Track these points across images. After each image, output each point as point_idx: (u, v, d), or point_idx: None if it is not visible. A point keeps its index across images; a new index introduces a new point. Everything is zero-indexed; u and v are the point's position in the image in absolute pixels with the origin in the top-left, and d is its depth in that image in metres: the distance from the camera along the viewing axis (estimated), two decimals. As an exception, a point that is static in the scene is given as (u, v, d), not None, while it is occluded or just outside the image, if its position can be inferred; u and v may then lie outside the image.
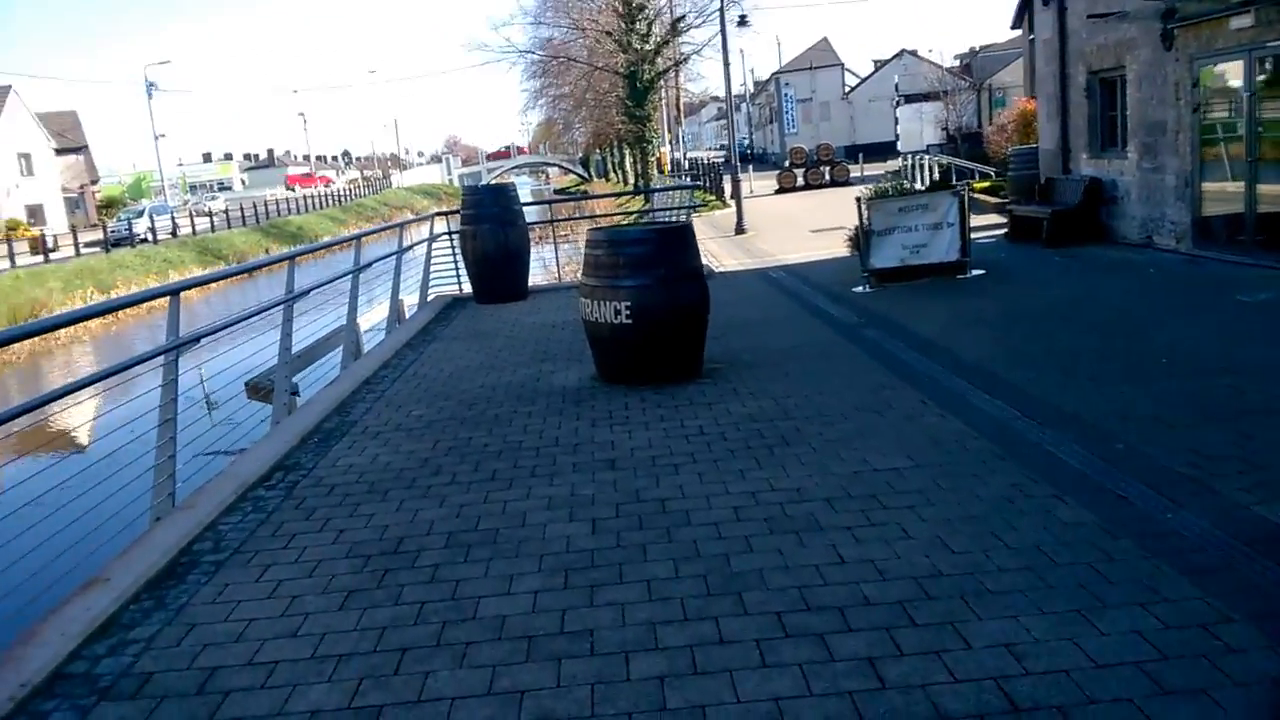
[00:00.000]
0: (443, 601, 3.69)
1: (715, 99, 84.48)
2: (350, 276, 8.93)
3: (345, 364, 8.61)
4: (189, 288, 5.36)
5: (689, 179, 29.57)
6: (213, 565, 4.22)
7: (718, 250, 17.76)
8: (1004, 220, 14.71)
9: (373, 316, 11.80)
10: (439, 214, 13.56)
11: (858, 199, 10.70)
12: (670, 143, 46.21)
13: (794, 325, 8.96)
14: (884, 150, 45.68)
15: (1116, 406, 5.56)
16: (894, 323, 8.55)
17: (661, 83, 41.56)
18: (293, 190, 79.98)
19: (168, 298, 5.15)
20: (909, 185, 16.62)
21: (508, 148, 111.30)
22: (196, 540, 4.53)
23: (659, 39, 39.54)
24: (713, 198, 27.98)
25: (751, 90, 68.97)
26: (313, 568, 4.11)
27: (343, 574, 4.02)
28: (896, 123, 37.59)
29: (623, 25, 38.73)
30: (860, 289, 10.48)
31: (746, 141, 63.37)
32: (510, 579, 3.85)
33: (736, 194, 19.38)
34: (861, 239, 10.53)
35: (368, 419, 6.62)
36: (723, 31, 23.09)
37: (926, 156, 26.29)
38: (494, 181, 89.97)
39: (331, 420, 6.67)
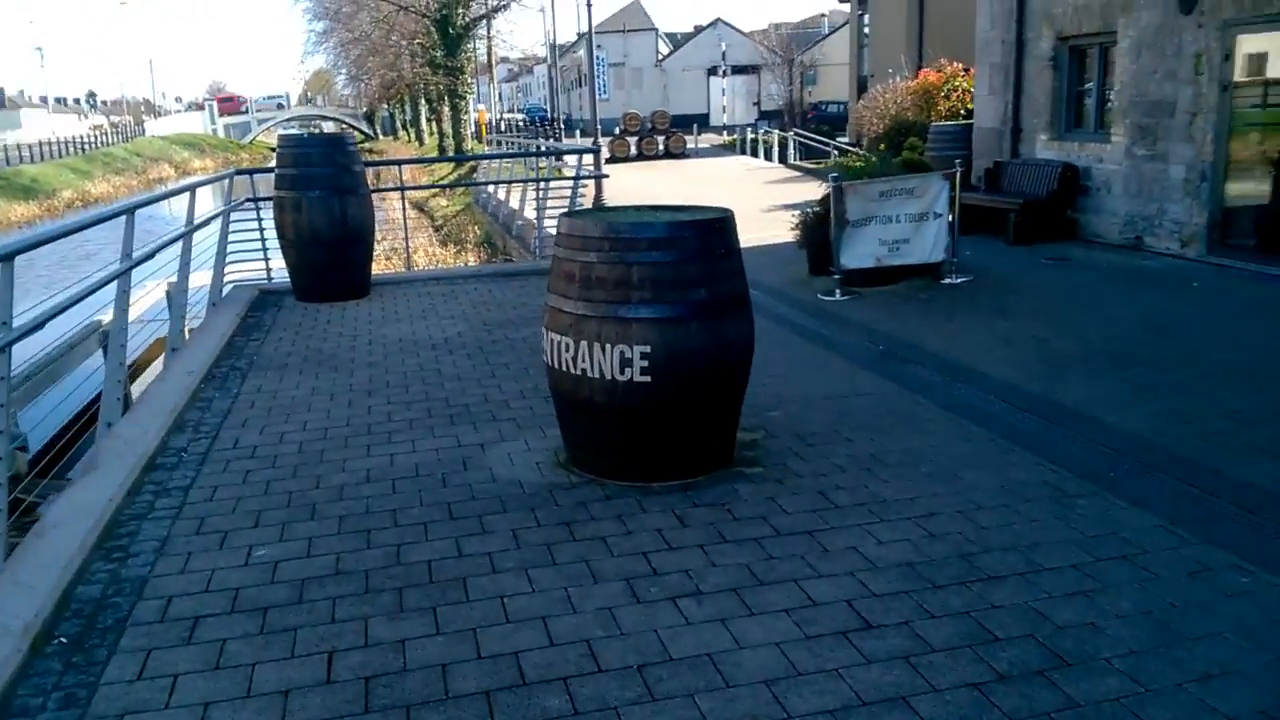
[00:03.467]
0: None
1: (505, 60, 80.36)
2: (117, 275, 5.48)
3: (108, 417, 5.23)
4: None
5: (518, 144, 25.84)
6: None
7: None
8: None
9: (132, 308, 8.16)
10: (241, 173, 9.93)
11: (834, 179, 8.26)
12: (478, 101, 42.37)
13: (790, 355, 6.39)
14: (698, 123, 44.03)
15: None
16: (933, 354, 6.19)
17: (474, 32, 37.62)
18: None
19: None
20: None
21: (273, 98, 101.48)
22: None
23: (473, -20, 35.62)
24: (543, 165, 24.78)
25: (542, 56, 65.45)
26: None
27: None
28: (723, 94, 35.84)
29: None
30: (831, 296, 8.08)
31: (544, 108, 59.99)
32: None
33: (596, 162, 16.65)
34: (833, 230, 8.12)
35: (167, 575, 3.46)
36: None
37: (775, 131, 24.50)
38: (263, 136, 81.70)
39: (94, 574, 3.46)
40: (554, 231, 11.57)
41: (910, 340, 6.56)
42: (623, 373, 3.95)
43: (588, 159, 16.63)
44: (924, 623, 2.99)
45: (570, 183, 11.37)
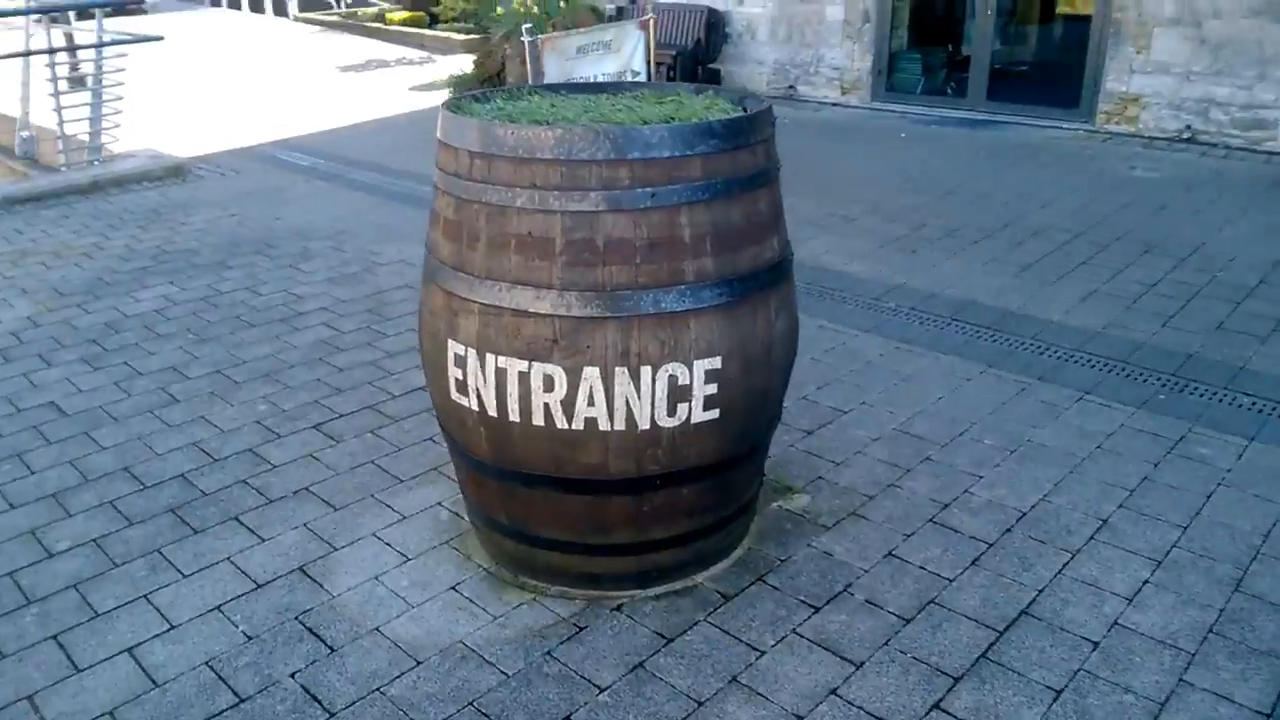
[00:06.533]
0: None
1: None
2: None
3: None
4: None
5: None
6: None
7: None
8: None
9: None
10: None
11: (529, 30, 6.30)
12: None
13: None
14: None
15: None
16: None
17: None
18: None
19: None
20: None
21: None
22: None
23: None
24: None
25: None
26: None
27: None
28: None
29: None
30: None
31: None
32: None
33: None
34: (529, 101, 6.27)
35: None
36: None
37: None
38: None
39: None
40: (81, 133, 7.89)
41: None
42: (672, 413, 2.10)
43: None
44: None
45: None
